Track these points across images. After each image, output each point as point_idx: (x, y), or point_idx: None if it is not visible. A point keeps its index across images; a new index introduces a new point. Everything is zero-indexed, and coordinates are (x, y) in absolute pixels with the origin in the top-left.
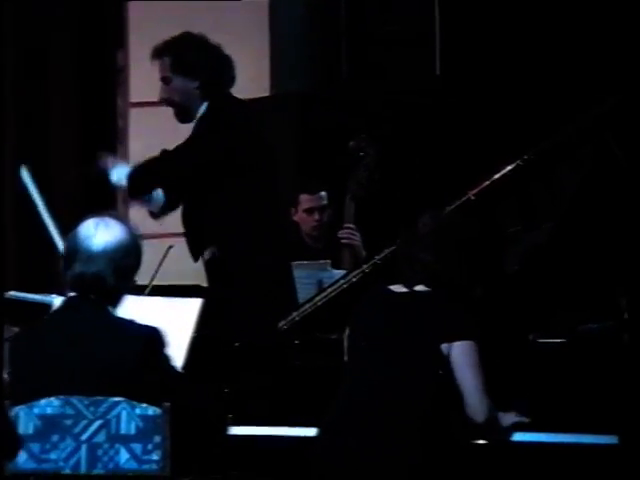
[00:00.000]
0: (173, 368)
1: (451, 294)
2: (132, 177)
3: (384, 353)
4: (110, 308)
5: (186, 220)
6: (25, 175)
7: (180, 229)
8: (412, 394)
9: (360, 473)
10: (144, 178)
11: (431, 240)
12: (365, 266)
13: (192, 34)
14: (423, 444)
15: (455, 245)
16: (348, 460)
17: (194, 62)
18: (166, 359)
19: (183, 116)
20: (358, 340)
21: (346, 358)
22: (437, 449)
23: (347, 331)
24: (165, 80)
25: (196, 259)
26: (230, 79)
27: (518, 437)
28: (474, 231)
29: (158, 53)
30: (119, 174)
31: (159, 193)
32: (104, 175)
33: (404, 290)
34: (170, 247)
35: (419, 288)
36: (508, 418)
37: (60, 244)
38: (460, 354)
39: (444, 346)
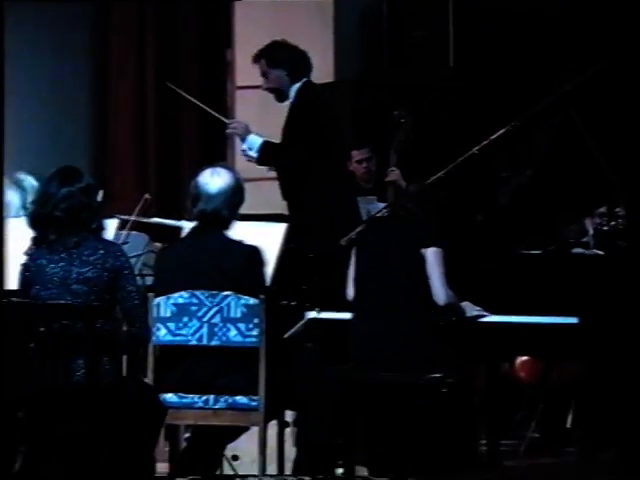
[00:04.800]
0: (264, 274)
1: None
2: (262, 151)
3: (385, 259)
4: (224, 232)
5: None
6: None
7: (270, 174)
8: (412, 285)
9: (379, 343)
10: (270, 155)
11: (413, 196)
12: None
13: (277, 41)
14: (424, 320)
15: (426, 201)
16: (377, 337)
17: (281, 58)
18: (261, 267)
19: (280, 98)
20: (363, 250)
21: (353, 266)
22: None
23: (354, 249)
24: (265, 75)
25: (285, 198)
26: (308, 67)
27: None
28: (440, 196)
29: (257, 58)
30: (251, 144)
31: (254, 144)
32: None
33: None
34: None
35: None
36: (468, 307)
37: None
38: (431, 255)
39: (422, 251)
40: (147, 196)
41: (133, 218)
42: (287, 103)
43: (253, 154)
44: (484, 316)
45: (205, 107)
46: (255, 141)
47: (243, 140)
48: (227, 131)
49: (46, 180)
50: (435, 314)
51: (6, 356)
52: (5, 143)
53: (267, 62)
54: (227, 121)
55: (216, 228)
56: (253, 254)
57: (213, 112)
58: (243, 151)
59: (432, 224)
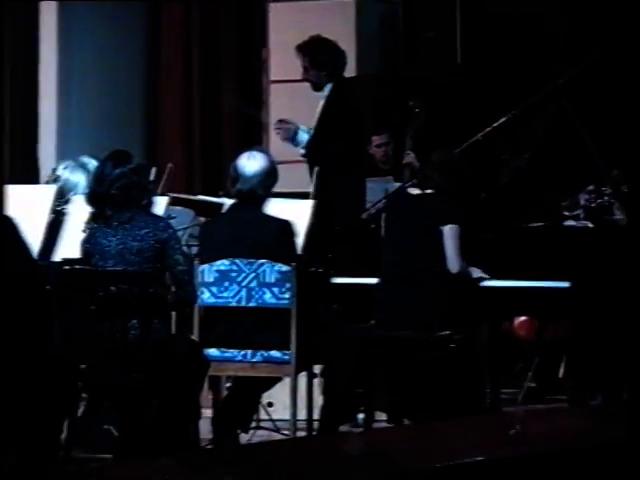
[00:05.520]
0: (295, 244)
1: (446, 197)
2: (308, 147)
3: (409, 232)
4: (259, 208)
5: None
6: None
7: (300, 158)
8: (430, 256)
9: (398, 305)
10: (313, 149)
11: (437, 165)
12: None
13: (321, 40)
14: (437, 286)
15: (450, 170)
16: (396, 300)
17: (323, 61)
18: (292, 239)
19: (316, 88)
20: (391, 223)
21: (383, 234)
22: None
23: (383, 216)
24: (305, 70)
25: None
26: (343, 65)
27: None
28: (462, 164)
29: (300, 50)
30: (299, 141)
31: (303, 140)
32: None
33: (418, 192)
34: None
35: (428, 192)
36: (475, 271)
37: None
38: (449, 231)
39: (441, 227)
40: (170, 165)
41: (184, 196)
42: (317, 94)
43: (301, 150)
44: (487, 278)
45: (248, 109)
46: (302, 138)
47: (292, 139)
48: (275, 130)
49: (101, 162)
50: (448, 280)
51: (70, 316)
52: (70, 130)
53: (310, 61)
54: (275, 125)
55: (252, 205)
56: (286, 227)
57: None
58: (293, 143)
59: (452, 200)
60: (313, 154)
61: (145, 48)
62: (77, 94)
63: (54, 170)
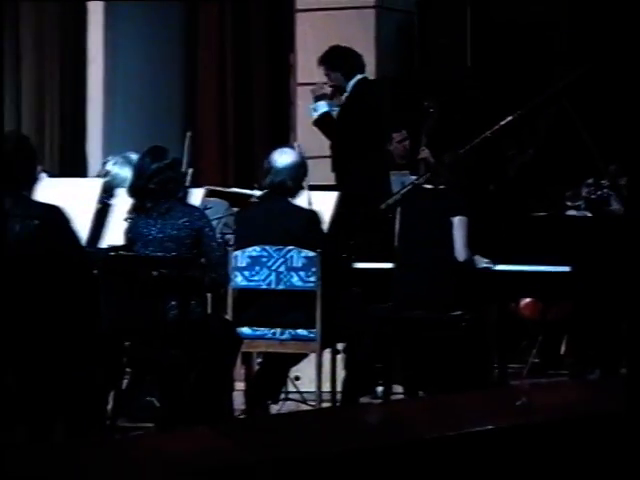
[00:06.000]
0: (321, 231)
1: (455, 192)
2: (321, 117)
3: (422, 222)
4: (289, 199)
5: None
6: None
7: (326, 154)
8: (441, 244)
9: (413, 287)
10: (326, 123)
11: (447, 164)
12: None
13: (334, 47)
14: (449, 271)
15: (458, 168)
16: (411, 283)
17: (337, 62)
18: (317, 227)
19: (341, 92)
20: (406, 214)
21: (399, 224)
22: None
23: (399, 208)
24: (327, 76)
25: (334, 170)
26: (361, 66)
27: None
28: (469, 162)
29: (319, 62)
30: (317, 107)
31: (319, 109)
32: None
33: (431, 187)
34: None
35: (439, 187)
36: (481, 260)
37: None
38: (458, 222)
39: (451, 218)
40: (189, 133)
41: (219, 188)
42: (343, 98)
43: (314, 115)
44: (492, 267)
45: None
46: (321, 107)
47: (315, 100)
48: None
49: (140, 158)
50: (456, 267)
51: (116, 298)
52: (115, 127)
53: (327, 67)
54: (314, 87)
55: (282, 196)
56: (312, 216)
57: None
58: (314, 105)
59: (461, 193)
60: (322, 126)
61: (183, 56)
62: (121, 94)
63: (104, 164)
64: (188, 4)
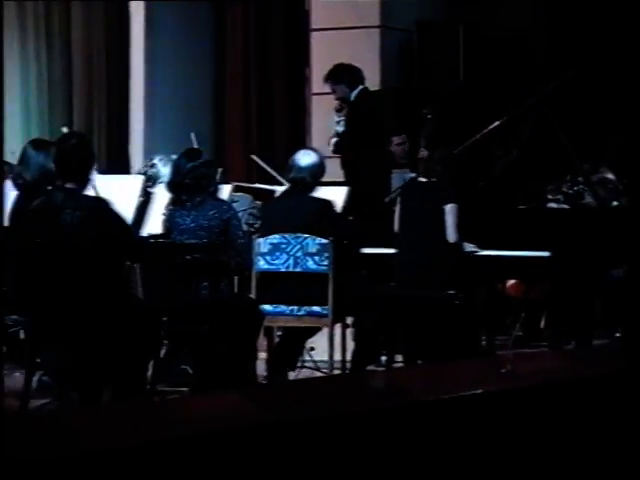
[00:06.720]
0: (334, 218)
1: (446, 183)
2: (337, 144)
3: (419, 211)
4: (307, 193)
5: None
6: None
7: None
8: (436, 230)
9: (413, 268)
10: (342, 147)
11: (438, 159)
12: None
13: (337, 64)
14: (443, 254)
15: (448, 163)
16: (410, 265)
17: (340, 76)
18: (330, 214)
19: (344, 101)
20: (405, 204)
21: (399, 213)
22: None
23: (399, 199)
24: (333, 90)
25: (343, 168)
26: (361, 77)
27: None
28: (459, 158)
29: (325, 80)
30: (338, 126)
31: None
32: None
33: (425, 180)
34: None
35: (432, 180)
36: (469, 246)
37: None
38: (449, 209)
39: (443, 206)
40: (193, 134)
41: (244, 184)
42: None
43: (332, 140)
44: (477, 252)
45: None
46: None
47: (337, 112)
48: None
49: (177, 158)
50: (450, 251)
51: (155, 280)
52: (155, 128)
53: (332, 82)
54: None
55: (302, 190)
56: (326, 205)
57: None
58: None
59: (451, 185)
60: (341, 150)
61: (213, 47)
62: (160, 95)
63: (151, 159)
64: (216, 4)
